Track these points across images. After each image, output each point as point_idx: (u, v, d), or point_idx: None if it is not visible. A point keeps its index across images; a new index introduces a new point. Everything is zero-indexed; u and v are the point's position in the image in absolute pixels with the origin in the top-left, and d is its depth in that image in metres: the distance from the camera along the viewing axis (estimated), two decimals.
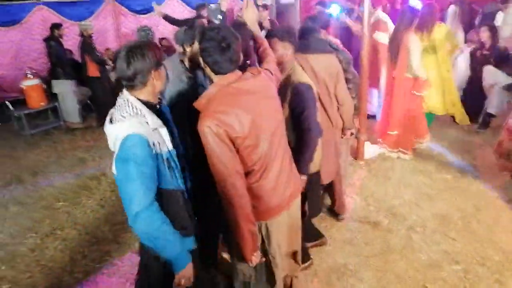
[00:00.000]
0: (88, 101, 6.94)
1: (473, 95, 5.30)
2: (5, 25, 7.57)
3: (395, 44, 4.17)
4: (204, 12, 5.99)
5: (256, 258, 1.82)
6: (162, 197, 1.66)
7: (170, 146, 1.70)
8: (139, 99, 1.64)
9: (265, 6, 6.06)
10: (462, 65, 5.44)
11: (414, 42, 4.03)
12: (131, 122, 1.56)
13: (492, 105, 5.00)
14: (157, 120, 1.65)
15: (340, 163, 3.17)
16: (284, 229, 1.97)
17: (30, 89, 6.39)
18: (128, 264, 3.09)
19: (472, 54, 5.38)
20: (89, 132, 6.37)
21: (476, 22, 6.77)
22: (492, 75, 5.00)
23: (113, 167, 1.60)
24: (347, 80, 3.00)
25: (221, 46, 1.65)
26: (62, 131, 6.49)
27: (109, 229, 3.57)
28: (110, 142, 1.63)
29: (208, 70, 1.74)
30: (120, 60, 1.58)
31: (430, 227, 3.27)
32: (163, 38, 8.25)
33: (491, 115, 5.08)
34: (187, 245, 1.77)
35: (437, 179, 4.04)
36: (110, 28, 8.73)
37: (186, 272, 1.70)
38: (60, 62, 6.36)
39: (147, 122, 1.59)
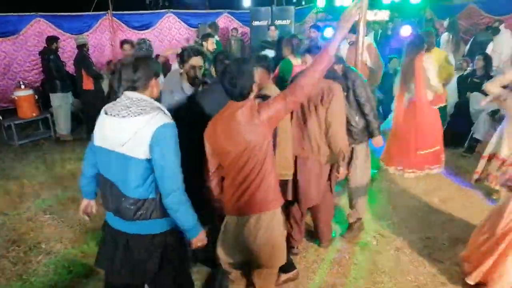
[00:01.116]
0: (80, 113, 6.93)
1: (460, 120, 5.42)
2: (2, 36, 7.61)
3: (411, 70, 4.34)
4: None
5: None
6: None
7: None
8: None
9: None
10: (451, 91, 5.58)
11: (430, 60, 4.31)
12: (161, 114, 1.87)
13: (479, 130, 5.11)
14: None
15: (328, 186, 3.15)
16: (230, 229, 2.25)
17: (22, 100, 6.37)
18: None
19: (460, 81, 5.53)
20: (79, 144, 6.32)
21: (465, 50, 6.98)
22: (479, 102, 5.13)
23: (132, 151, 1.83)
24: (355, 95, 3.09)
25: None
26: (52, 143, 6.44)
27: (96, 244, 3.50)
28: (127, 133, 1.83)
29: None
30: (128, 66, 1.90)
31: (417, 248, 3.29)
32: (158, 55, 8.29)
33: (477, 140, 5.18)
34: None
35: (424, 202, 4.09)
36: (107, 43, 8.82)
37: (200, 237, 2.04)
38: (60, 75, 6.36)
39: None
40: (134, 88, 1.91)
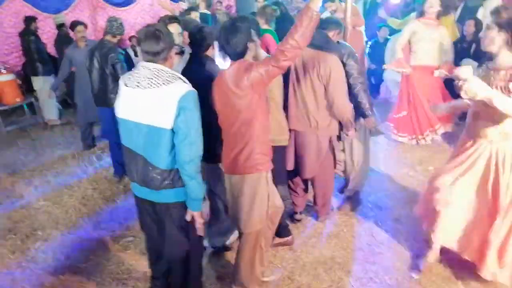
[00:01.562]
0: (66, 97, 6.75)
1: (450, 89, 5.41)
2: None
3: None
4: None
5: None
6: None
7: None
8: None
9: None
10: None
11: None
12: (182, 82, 1.89)
13: None
14: None
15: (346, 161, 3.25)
16: (227, 186, 2.39)
17: (4, 85, 6.16)
18: (114, 263, 3.03)
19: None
20: (68, 128, 6.20)
21: (456, 15, 6.89)
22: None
23: (157, 121, 1.87)
24: (346, 74, 2.84)
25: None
26: (40, 128, 6.29)
27: (93, 228, 3.49)
28: (151, 104, 1.86)
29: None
30: (150, 38, 1.87)
31: (415, 219, 3.32)
32: (133, 36, 8.04)
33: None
34: None
35: (420, 171, 4.12)
36: (87, 22, 8.45)
37: (201, 214, 2.07)
38: (41, 57, 6.13)
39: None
40: (155, 61, 1.90)
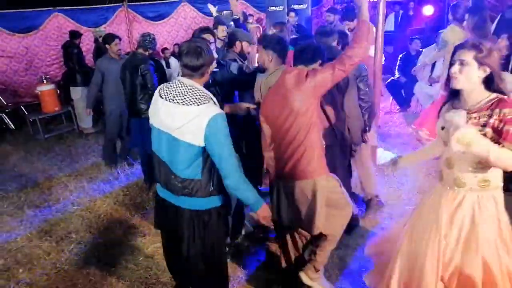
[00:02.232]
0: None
1: None
2: (22, 32, 7.74)
3: None
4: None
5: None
6: None
7: None
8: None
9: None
10: None
11: None
12: (212, 104, 1.96)
13: None
14: None
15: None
16: (277, 195, 2.45)
17: (45, 94, 6.51)
18: (143, 267, 3.11)
19: None
20: (102, 136, 6.43)
21: (492, 29, 6.70)
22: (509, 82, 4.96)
23: (185, 136, 1.94)
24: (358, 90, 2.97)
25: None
26: (75, 136, 6.59)
27: (123, 233, 3.60)
28: (181, 119, 1.93)
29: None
30: (191, 52, 1.94)
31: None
32: (175, 44, 8.36)
33: None
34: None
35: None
36: (124, 35, 8.88)
37: (262, 211, 2.14)
38: (82, 69, 6.48)
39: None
40: (192, 76, 1.99)
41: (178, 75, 8.16)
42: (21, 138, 6.63)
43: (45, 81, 6.54)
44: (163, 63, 8.00)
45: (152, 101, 2.11)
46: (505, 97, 1.76)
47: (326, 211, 2.30)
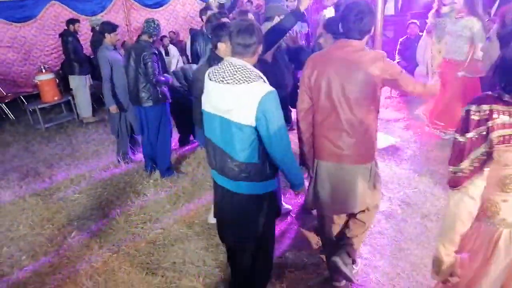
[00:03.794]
0: (101, 95, 7.02)
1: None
2: (20, 21, 7.68)
3: None
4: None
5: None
6: None
7: None
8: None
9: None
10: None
11: None
12: (263, 82, 1.94)
13: None
14: None
15: None
16: (325, 175, 2.32)
17: (44, 84, 6.49)
18: (144, 253, 3.14)
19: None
20: (102, 125, 6.45)
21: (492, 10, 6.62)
22: None
23: (241, 118, 1.92)
24: None
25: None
26: (75, 125, 6.59)
27: (124, 220, 3.62)
28: (232, 99, 1.93)
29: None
30: (244, 30, 1.93)
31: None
32: (171, 31, 8.36)
33: None
34: None
35: (437, 171, 4.00)
36: (122, 23, 8.80)
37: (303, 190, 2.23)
38: (77, 58, 6.42)
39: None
40: (243, 55, 1.96)
41: (177, 62, 8.11)
42: (21, 128, 6.64)
43: (43, 71, 6.51)
44: (162, 51, 7.96)
45: (204, 86, 2.10)
46: None
47: (371, 193, 2.35)
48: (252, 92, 1.88)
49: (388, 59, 2.14)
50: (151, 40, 4.02)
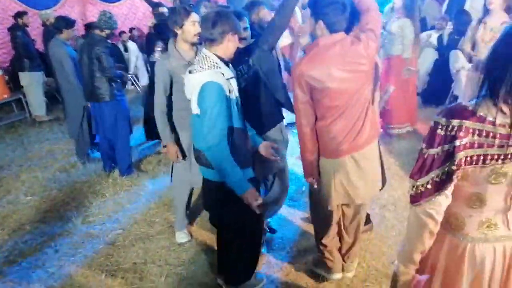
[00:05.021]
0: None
1: (440, 78, 5.46)
2: None
3: None
4: None
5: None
6: (232, 133, 2.08)
7: (237, 94, 2.12)
8: (216, 55, 2.02)
9: None
10: (429, 49, 5.60)
11: None
12: (209, 72, 1.95)
13: (459, 88, 5.16)
14: (230, 72, 2.06)
15: None
16: (351, 168, 2.18)
17: None
18: (103, 255, 3.02)
19: (441, 39, 5.53)
20: (57, 124, 6.16)
21: (444, 8, 6.93)
22: (457, 59, 5.16)
23: (194, 108, 2.01)
24: None
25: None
26: (27, 124, 6.26)
27: (81, 221, 3.47)
28: (188, 90, 2.07)
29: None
30: (207, 21, 1.98)
31: (401, 205, 3.36)
32: (123, 32, 8.07)
33: (457, 98, 5.24)
34: (247, 174, 2.13)
35: (407, 160, 4.15)
36: (77, 18, 8.41)
37: (249, 195, 2.01)
38: (27, 53, 6.07)
39: (222, 73, 1.99)
40: (211, 43, 2.01)
41: (136, 59, 7.87)
42: None
43: None
44: (121, 47, 7.71)
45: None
46: None
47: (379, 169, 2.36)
48: (198, 80, 1.95)
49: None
50: (103, 34, 3.86)
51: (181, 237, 3.09)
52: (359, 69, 2.01)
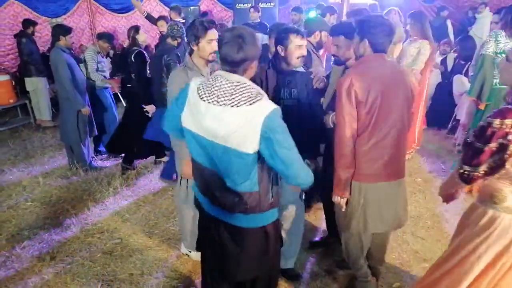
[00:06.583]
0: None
1: (442, 102, 5.51)
2: None
3: None
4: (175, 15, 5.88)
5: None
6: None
7: None
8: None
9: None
10: (433, 73, 5.65)
11: None
12: (265, 99, 1.63)
13: (461, 112, 5.20)
14: None
15: None
16: (383, 195, 2.20)
17: None
18: (100, 264, 3.01)
19: (444, 62, 5.61)
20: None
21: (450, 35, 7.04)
22: (461, 84, 5.22)
23: (237, 143, 1.62)
24: None
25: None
26: (32, 129, 6.28)
27: (80, 229, 3.47)
28: (232, 124, 1.60)
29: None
30: (230, 43, 1.61)
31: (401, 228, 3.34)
32: (122, 46, 8.12)
33: (459, 121, 5.27)
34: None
35: (408, 182, 4.15)
36: (86, 27, 8.56)
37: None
38: (32, 59, 6.15)
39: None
40: (233, 72, 1.66)
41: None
42: None
43: None
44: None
45: (188, 101, 1.75)
46: None
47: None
48: (254, 113, 1.58)
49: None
50: (175, 43, 3.99)
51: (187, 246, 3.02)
52: (403, 94, 2.08)
